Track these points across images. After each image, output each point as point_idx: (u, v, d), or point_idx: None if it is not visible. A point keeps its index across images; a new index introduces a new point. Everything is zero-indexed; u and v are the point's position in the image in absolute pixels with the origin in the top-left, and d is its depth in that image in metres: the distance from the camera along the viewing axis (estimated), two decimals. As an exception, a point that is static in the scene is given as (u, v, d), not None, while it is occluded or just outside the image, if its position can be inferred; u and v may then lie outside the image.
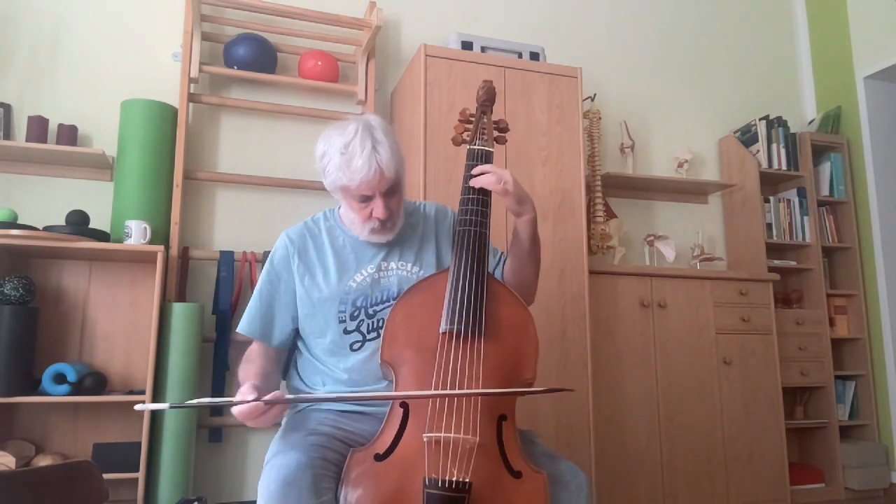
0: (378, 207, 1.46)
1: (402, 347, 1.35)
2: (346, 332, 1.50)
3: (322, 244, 1.57)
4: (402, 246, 1.59)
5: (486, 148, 1.59)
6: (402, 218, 1.56)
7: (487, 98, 1.65)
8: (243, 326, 1.55)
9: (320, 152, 1.49)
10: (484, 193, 1.52)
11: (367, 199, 1.47)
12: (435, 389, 1.28)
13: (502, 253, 1.71)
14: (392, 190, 1.48)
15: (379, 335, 1.46)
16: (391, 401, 1.32)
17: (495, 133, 1.65)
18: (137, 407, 1.22)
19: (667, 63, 3.87)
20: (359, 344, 1.50)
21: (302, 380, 1.57)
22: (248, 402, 1.22)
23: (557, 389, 1.15)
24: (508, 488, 1.23)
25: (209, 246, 2.85)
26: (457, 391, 1.27)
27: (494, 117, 1.67)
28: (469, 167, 1.56)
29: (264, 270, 1.57)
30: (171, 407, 1.16)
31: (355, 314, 1.51)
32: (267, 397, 1.23)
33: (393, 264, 1.56)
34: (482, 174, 1.50)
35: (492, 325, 1.37)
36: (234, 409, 1.24)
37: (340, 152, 1.43)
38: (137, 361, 2.61)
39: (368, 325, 1.51)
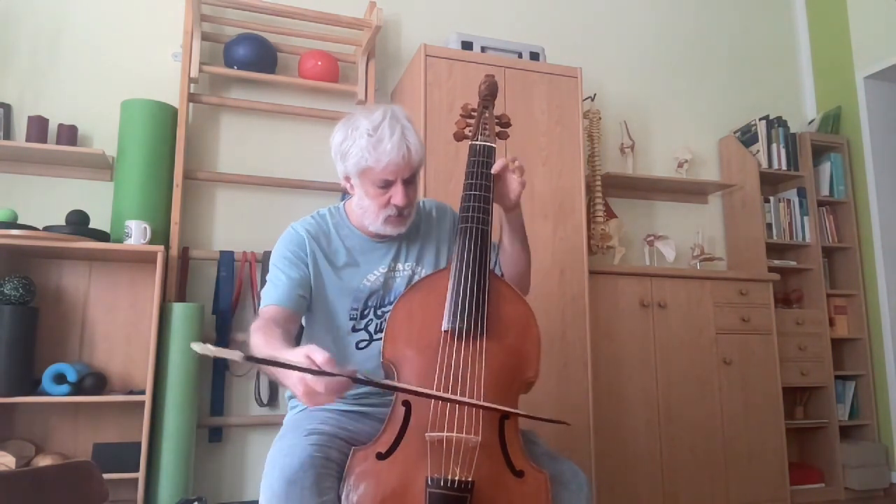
0: (398, 194, 1.45)
1: (403, 346, 1.35)
2: (353, 329, 1.50)
3: (333, 239, 1.55)
4: (408, 245, 1.59)
5: (489, 143, 1.58)
6: (415, 211, 1.56)
7: (489, 92, 1.64)
8: (273, 299, 1.42)
9: (341, 137, 1.47)
10: (488, 191, 1.51)
11: (387, 185, 1.45)
12: (437, 388, 1.27)
13: (494, 242, 1.70)
14: (412, 178, 1.48)
15: None
16: (394, 401, 1.31)
17: (497, 128, 1.64)
18: (195, 347, 0.91)
19: (667, 63, 3.87)
20: (365, 343, 1.50)
21: None
22: (342, 375, 1.04)
23: (556, 421, 1.15)
24: (510, 487, 1.23)
25: (209, 246, 2.85)
26: (458, 398, 1.25)
27: (496, 112, 1.66)
28: (471, 163, 1.55)
29: (279, 256, 1.50)
30: (246, 359, 0.94)
31: (365, 312, 1.51)
32: (346, 371, 1.07)
33: (401, 265, 1.56)
34: (514, 176, 1.51)
35: (494, 324, 1.36)
36: (318, 383, 1.04)
37: (368, 133, 1.42)
38: (137, 361, 2.60)
39: (377, 325, 1.51)
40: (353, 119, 1.47)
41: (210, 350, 0.91)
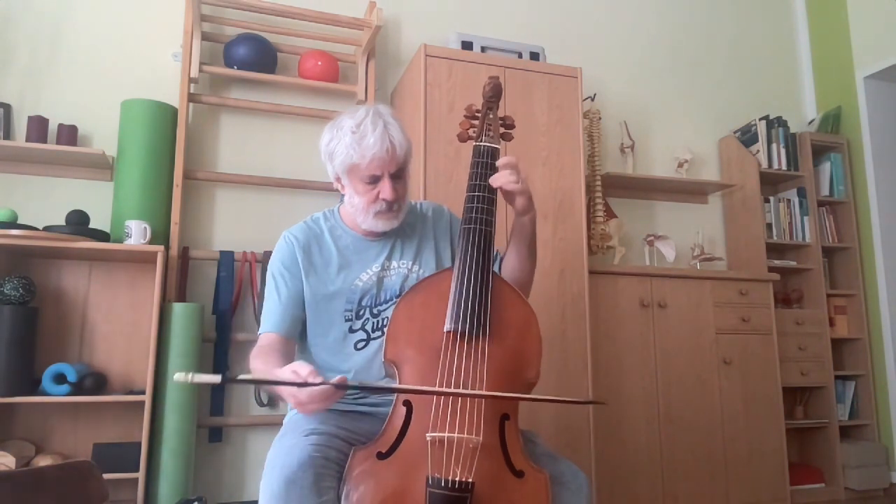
0: (386, 188, 1.48)
1: (405, 346, 1.35)
2: (350, 330, 1.51)
3: (325, 243, 1.57)
4: (403, 245, 1.60)
5: (493, 144, 1.58)
6: (407, 207, 1.57)
7: (494, 94, 1.64)
8: (269, 326, 1.48)
9: (327, 139, 1.52)
10: (491, 192, 1.51)
11: (374, 181, 1.48)
12: (438, 388, 1.27)
13: (497, 251, 1.70)
14: (399, 172, 1.50)
15: (384, 334, 1.46)
16: (395, 400, 1.31)
17: (501, 129, 1.64)
18: (177, 377, 1.02)
19: (667, 63, 3.87)
20: (363, 343, 1.51)
21: None
22: (322, 384, 1.14)
23: (571, 401, 1.15)
24: (511, 488, 1.23)
25: (209, 246, 2.85)
26: (466, 391, 1.26)
27: (498, 113, 1.66)
28: (475, 164, 1.55)
29: (273, 271, 1.54)
30: (225, 381, 1.08)
31: (361, 313, 1.51)
32: (334, 381, 1.16)
33: (395, 263, 1.57)
34: (504, 171, 1.48)
35: (496, 325, 1.36)
36: (302, 393, 1.14)
37: (352, 131, 1.46)
38: (137, 361, 2.60)
39: (373, 323, 1.51)
40: (338, 120, 1.52)
41: (191, 378, 1.03)
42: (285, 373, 1.18)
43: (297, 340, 1.54)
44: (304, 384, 1.14)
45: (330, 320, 1.51)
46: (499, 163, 1.51)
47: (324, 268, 1.54)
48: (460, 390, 1.26)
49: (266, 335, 1.48)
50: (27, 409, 2.48)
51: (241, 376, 1.12)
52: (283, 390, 1.19)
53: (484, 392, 1.26)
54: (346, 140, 1.46)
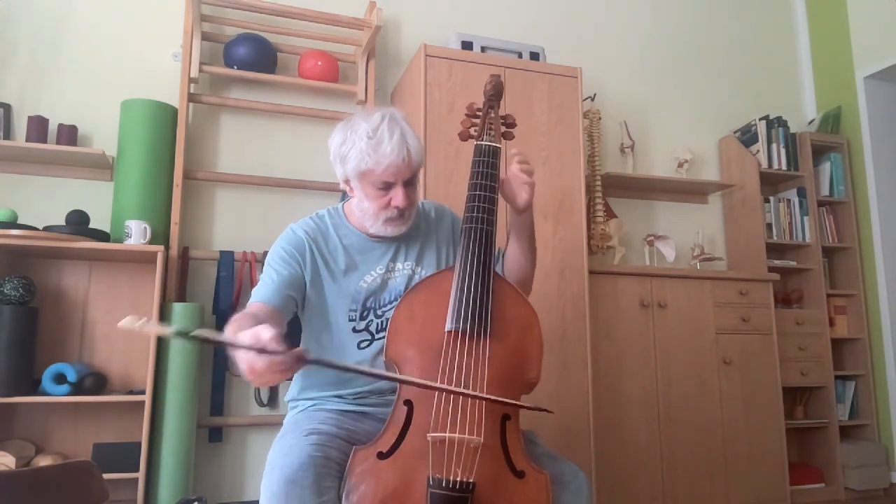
0: (398, 196, 1.46)
1: (406, 346, 1.35)
2: (354, 330, 1.50)
3: (331, 240, 1.56)
4: (407, 246, 1.59)
5: (494, 144, 1.57)
6: (415, 212, 1.56)
7: (495, 93, 1.64)
8: (260, 297, 1.40)
9: (340, 140, 1.48)
10: (493, 191, 1.51)
11: (387, 188, 1.46)
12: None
13: (500, 249, 1.71)
14: (412, 180, 1.49)
15: None
16: (395, 400, 1.31)
17: (503, 128, 1.64)
18: (122, 324, 0.86)
19: (667, 63, 3.87)
20: (367, 343, 1.50)
21: (302, 380, 1.56)
22: (280, 351, 1.00)
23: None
24: (511, 488, 1.23)
25: (209, 246, 2.85)
26: (466, 391, 1.25)
27: (500, 113, 1.66)
28: (476, 163, 1.55)
29: (275, 255, 1.49)
30: (177, 334, 0.92)
31: (365, 314, 1.51)
32: (294, 351, 1.02)
33: (399, 265, 1.57)
34: (527, 172, 1.54)
35: (497, 324, 1.36)
36: (260, 361, 1.00)
37: (368, 136, 1.43)
38: (137, 361, 2.60)
39: (377, 324, 1.51)
40: (352, 122, 1.48)
41: (140, 326, 0.87)
42: (245, 337, 1.02)
43: (286, 314, 1.45)
44: (263, 351, 1.00)
45: (334, 318, 1.51)
46: (512, 151, 1.53)
47: (331, 265, 1.53)
48: (444, 386, 1.25)
49: (254, 303, 1.40)
50: (27, 409, 2.48)
51: (196, 332, 0.93)
52: (238, 356, 1.04)
53: (461, 389, 1.25)
54: (360, 145, 1.42)
